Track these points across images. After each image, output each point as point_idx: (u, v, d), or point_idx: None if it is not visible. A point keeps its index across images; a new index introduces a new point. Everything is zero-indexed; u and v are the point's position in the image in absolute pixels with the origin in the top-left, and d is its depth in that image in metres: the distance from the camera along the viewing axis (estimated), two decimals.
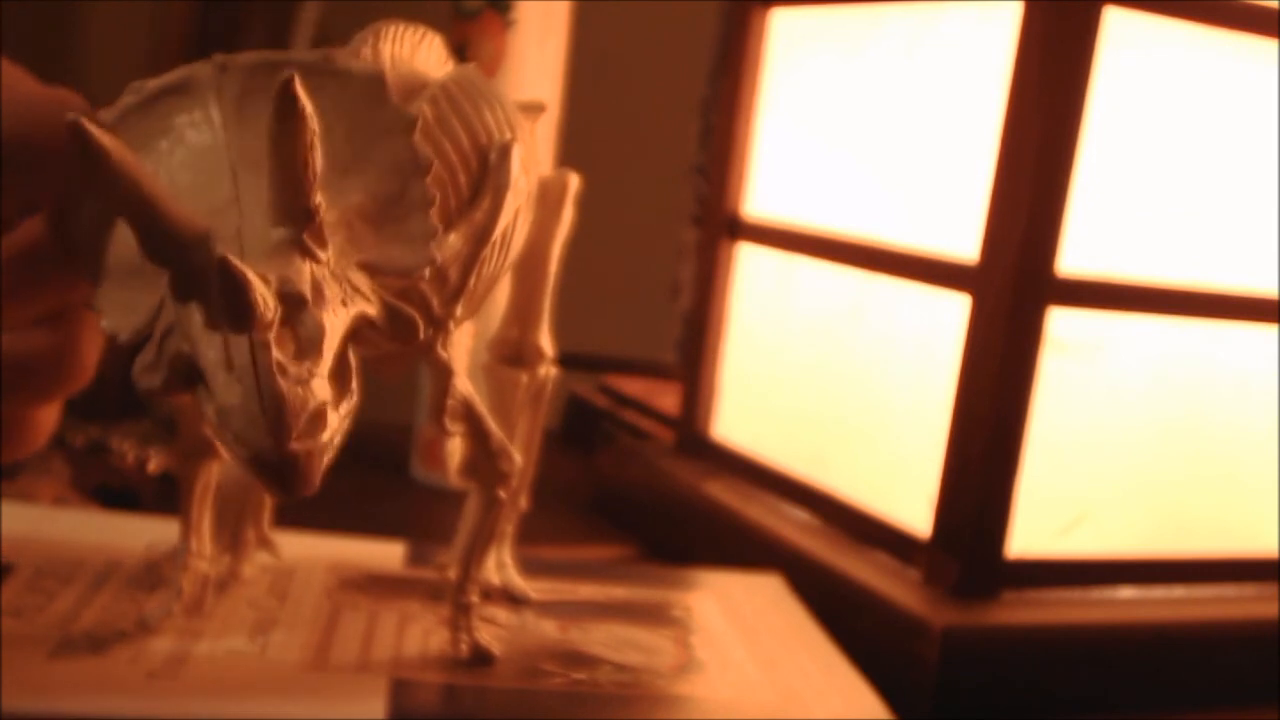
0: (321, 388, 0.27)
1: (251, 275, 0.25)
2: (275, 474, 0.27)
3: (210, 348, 0.27)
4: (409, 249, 0.30)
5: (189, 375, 0.27)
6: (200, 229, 0.27)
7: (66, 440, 0.56)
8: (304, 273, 0.27)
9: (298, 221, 0.27)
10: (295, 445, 0.26)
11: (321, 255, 0.28)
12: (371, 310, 0.29)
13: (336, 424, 0.28)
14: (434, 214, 0.30)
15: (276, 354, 0.26)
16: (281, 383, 0.26)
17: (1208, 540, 0.52)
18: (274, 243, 0.27)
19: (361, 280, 0.29)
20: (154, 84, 0.30)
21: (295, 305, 0.27)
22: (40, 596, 0.38)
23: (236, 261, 0.25)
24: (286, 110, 0.26)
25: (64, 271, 0.31)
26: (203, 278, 0.26)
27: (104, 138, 0.25)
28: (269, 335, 0.26)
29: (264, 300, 0.26)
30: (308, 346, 0.27)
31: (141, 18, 1.18)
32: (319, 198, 0.27)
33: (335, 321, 0.28)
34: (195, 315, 0.27)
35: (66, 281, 0.31)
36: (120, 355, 0.30)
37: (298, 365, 0.26)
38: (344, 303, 0.28)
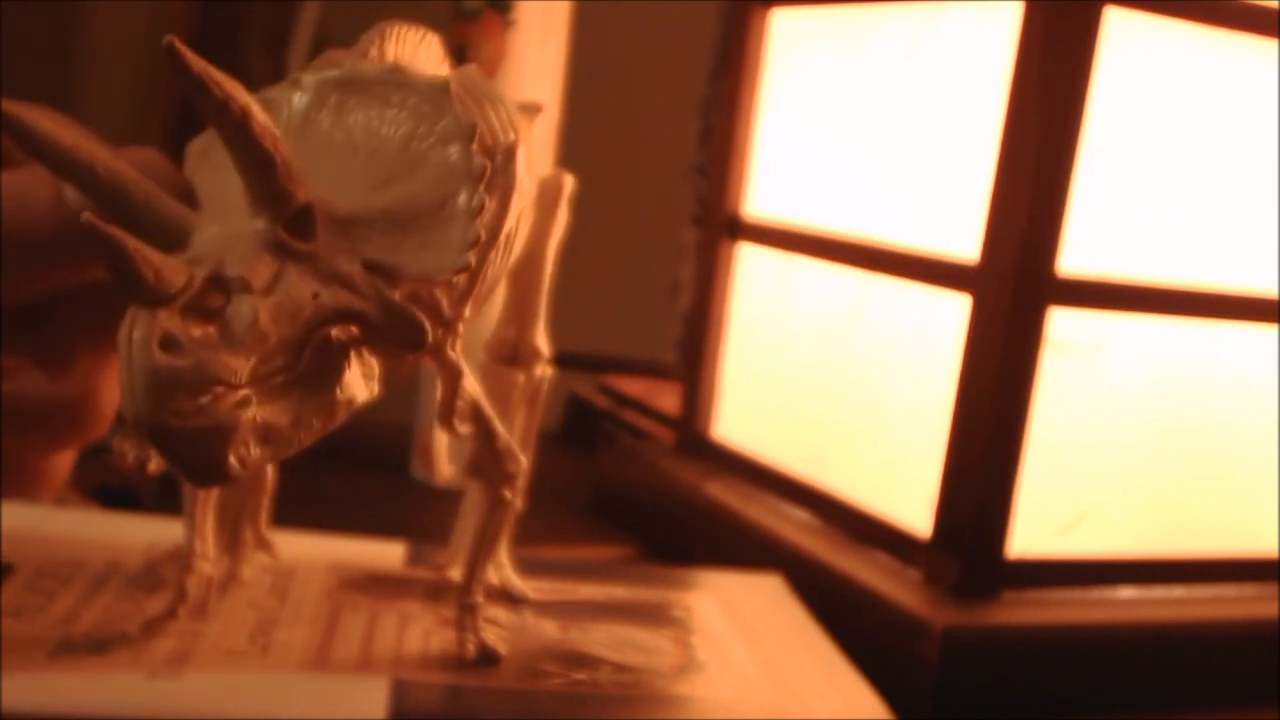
0: (227, 369, 0.26)
1: (130, 241, 0.25)
2: (162, 448, 0.26)
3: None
4: (439, 253, 0.30)
5: None
6: (189, 223, 0.27)
7: None
8: (259, 262, 0.27)
9: (273, 209, 0.27)
10: (171, 418, 0.25)
11: (301, 247, 0.28)
12: (359, 306, 0.29)
13: (276, 416, 0.27)
14: (479, 222, 0.30)
15: (169, 327, 0.25)
16: (158, 353, 0.25)
17: (1208, 540, 0.52)
18: (240, 233, 0.27)
19: (360, 277, 0.29)
20: None
21: (230, 290, 0.26)
22: (40, 596, 0.38)
23: (104, 225, 0.25)
24: (192, 84, 0.26)
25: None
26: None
27: (39, 119, 0.25)
28: (163, 308, 0.25)
29: (153, 270, 0.25)
30: (235, 332, 0.26)
31: (141, 18, 1.18)
32: (295, 185, 0.27)
33: (290, 312, 0.27)
34: None
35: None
36: None
37: (205, 345, 0.26)
38: (315, 295, 0.28)
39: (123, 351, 0.26)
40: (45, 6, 1.15)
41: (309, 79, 0.31)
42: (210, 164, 0.30)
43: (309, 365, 0.28)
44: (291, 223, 0.27)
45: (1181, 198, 0.49)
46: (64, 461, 0.34)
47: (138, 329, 0.25)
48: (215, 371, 0.26)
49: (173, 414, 0.25)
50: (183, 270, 0.26)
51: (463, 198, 0.30)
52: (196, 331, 0.26)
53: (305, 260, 0.28)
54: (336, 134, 0.31)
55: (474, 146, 0.30)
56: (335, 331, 0.28)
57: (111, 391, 0.32)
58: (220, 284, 0.26)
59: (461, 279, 0.33)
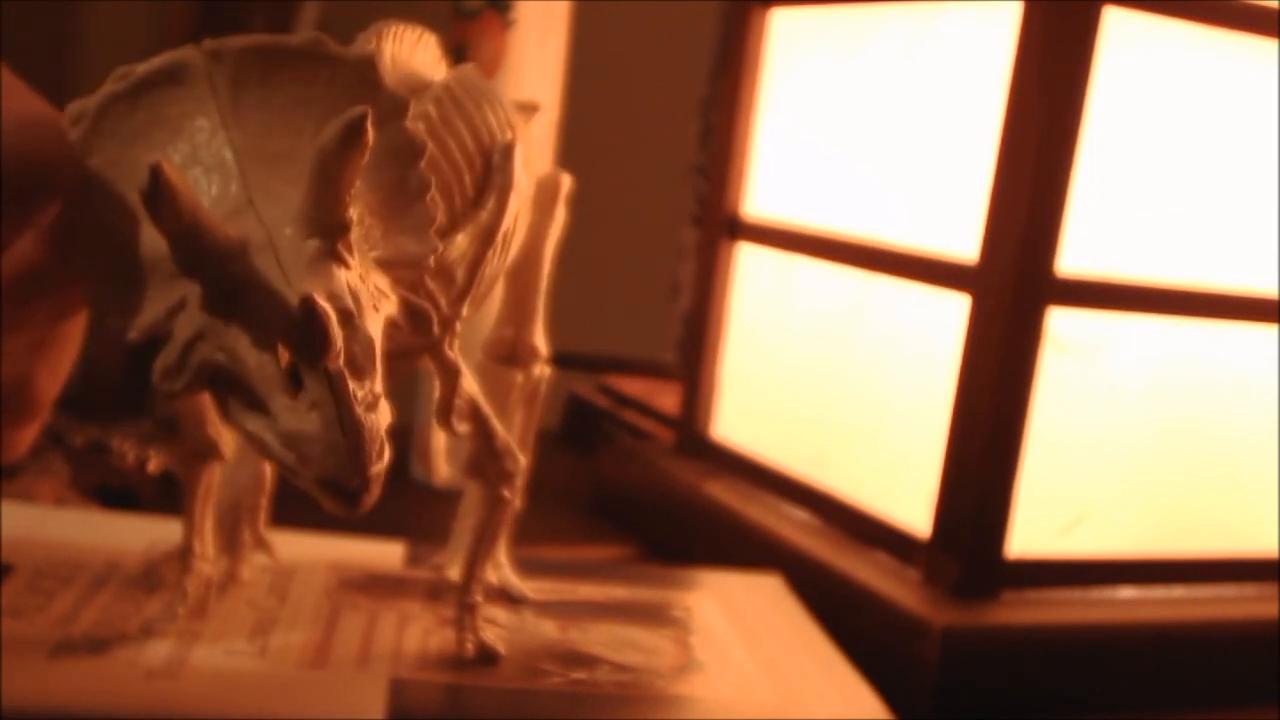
0: (384, 410, 0.27)
1: (331, 310, 0.25)
2: (349, 497, 0.27)
3: (262, 367, 0.26)
4: (414, 238, 0.30)
5: (217, 382, 0.27)
6: (236, 241, 0.27)
7: (66, 440, 0.56)
8: (345, 285, 0.27)
9: (331, 234, 0.27)
10: (373, 471, 0.27)
11: (351, 262, 0.27)
12: (393, 310, 0.29)
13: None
14: (430, 199, 0.30)
15: (358, 388, 0.26)
16: (359, 412, 0.26)
17: (1208, 540, 0.52)
18: (310, 255, 0.27)
19: (381, 280, 0.29)
20: (141, 70, 0.29)
21: (346, 322, 0.26)
22: (40, 597, 0.38)
23: (321, 302, 0.25)
24: (351, 142, 0.26)
25: (54, 295, 0.30)
26: (242, 292, 0.26)
27: (179, 178, 0.25)
28: (341, 364, 0.26)
29: (338, 334, 0.26)
30: (363, 363, 0.27)
31: (141, 18, 1.18)
32: (352, 209, 0.27)
33: (375, 330, 0.28)
34: (237, 332, 0.27)
35: (55, 306, 0.30)
36: (120, 356, 0.30)
37: (362, 389, 0.26)
38: (375, 308, 0.28)
39: (317, 412, 0.26)
40: (45, 6, 1.15)
41: (228, 47, 0.29)
42: (165, 131, 0.29)
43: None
44: (345, 243, 0.27)
45: (1181, 198, 0.49)
46: (18, 439, 0.33)
47: (338, 389, 0.26)
48: (384, 413, 0.27)
49: (378, 467, 0.27)
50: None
51: (411, 177, 0.30)
52: (358, 384, 0.26)
53: (354, 274, 0.28)
54: (271, 115, 0.29)
55: (408, 122, 0.30)
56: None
57: (49, 376, 0.32)
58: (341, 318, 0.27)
59: (460, 276, 0.34)
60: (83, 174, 0.28)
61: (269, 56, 0.29)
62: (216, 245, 0.26)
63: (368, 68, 0.29)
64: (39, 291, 0.30)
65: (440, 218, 0.31)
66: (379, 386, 0.27)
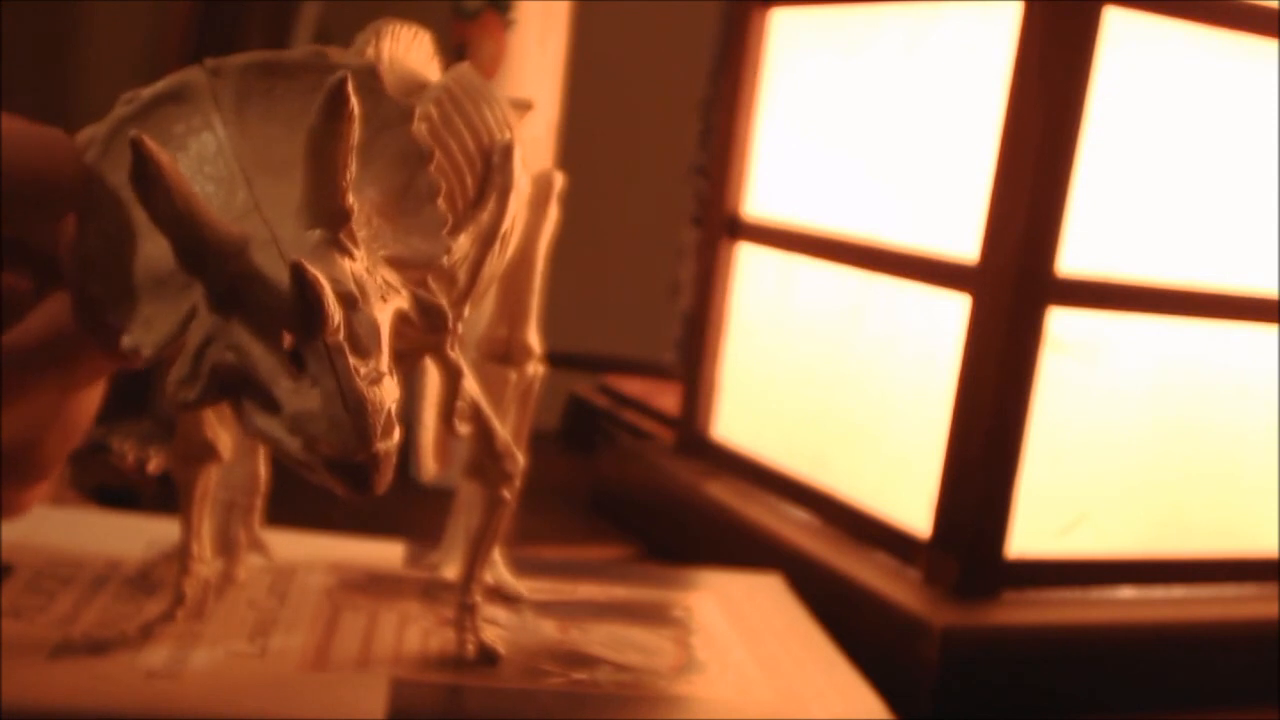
0: (390, 386, 0.27)
1: (323, 278, 0.25)
2: (357, 476, 0.26)
3: (265, 356, 0.26)
4: (426, 239, 0.30)
5: (229, 386, 0.27)
6: (238, 236, 0.26)
7: None
8: (348, 272, 0.27)
9: (333, 223, 0.27)
10: (379, 446, 0.26)
11: (356, 253, 0.27)
12: (404, 304, 0.29)
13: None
14: (441, 202, 0.30)
15: (351, 357, 0.26)
16: (360, 384, 0.26)
17: (1208, 540, 0.52)
18: (313, 244, 0.27)
19: (391, 275, 0.29)
20: (147, 93, 0.30)
21: (348, 305, 0.26)
22: (40, 597, 0.38)
23: (310, 266, 0.25)
24: (336, 112, 0.26)
25: (60, 368, 0.30)
26: (244, 285, 0.26)
27: (162, 153, 0.25)
28: (340, 337, 0.26)
29: (333, 302, 0.25)
30: (367, 343, 0.26)
31: (141, 18, 1.18)
32: (351, 198, 0.27)
33: (383, 318, 0.27)
34: (241, 325, 0.26)
35: (61, 379, 0.30)
36: (134, 369, 0.29)
37: (366, 365, 0.26)
38: (384, 298, 0.28)
39: (317, 388, 0.26)
40: (45, 6, 1.15)
41: (229, 65, 0.30)
42: (171, 149, 0.29)
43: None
44: (346, 232, 0.27)
45: (1181, 198, 0.49)
46: (19, 501, 0.33)
47: (337, 361, 0.26)
48: (389, 389, 0.27)
49: (385, 443, 0.26)
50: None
51: (419, 181, 0.30)
52: (361, 361, 0.26)
53: (360, 264, 0.28)
54: (275, 127, 0.29)
55: (414, 128, 0.30)
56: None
57: (58, 440, 0.31)
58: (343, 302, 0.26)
59: (462, 277, 0.34)
60: (95, 196, 0.28)
61: (271, 71, 0.29)
62: (218, 238, 0.26)
63: (371, 77, 0.30)
64: (45, 364, 0.30)
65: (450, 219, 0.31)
66: (385, 365, 0.27)
